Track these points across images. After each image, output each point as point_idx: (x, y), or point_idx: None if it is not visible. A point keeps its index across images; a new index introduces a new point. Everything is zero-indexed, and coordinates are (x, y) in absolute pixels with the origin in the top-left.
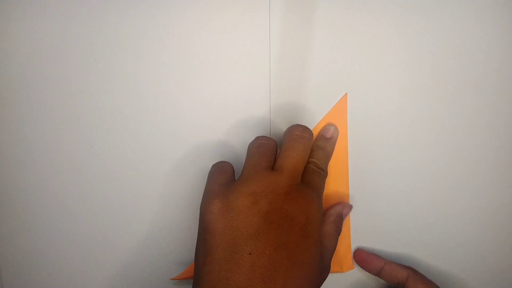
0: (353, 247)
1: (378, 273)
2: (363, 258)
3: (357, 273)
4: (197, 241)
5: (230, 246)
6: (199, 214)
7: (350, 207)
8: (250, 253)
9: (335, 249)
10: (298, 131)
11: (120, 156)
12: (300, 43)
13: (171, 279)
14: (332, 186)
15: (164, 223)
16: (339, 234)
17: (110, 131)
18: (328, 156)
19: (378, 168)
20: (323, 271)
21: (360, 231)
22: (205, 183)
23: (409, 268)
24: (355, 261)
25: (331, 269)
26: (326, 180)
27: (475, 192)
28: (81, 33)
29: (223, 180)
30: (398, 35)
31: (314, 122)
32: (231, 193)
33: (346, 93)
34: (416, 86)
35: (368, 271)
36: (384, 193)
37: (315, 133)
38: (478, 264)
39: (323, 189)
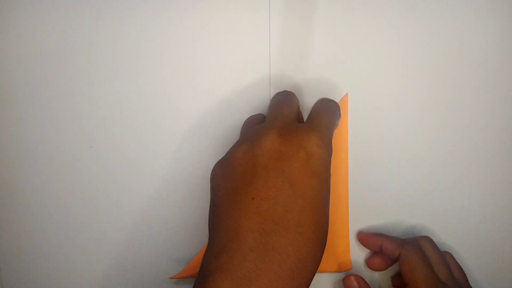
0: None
1: (380, 251)
2: (362, 238)
3: (356, 273)
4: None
5: (233, 196)
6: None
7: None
8: (253, 198)
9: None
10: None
11: (120, 156)
12: (300, 43)
13: (170, 278)
14: (331, 186)
15: (163, 221)
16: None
17: (110, 131)
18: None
19: (378, 167)
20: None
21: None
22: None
23: (401, 244)
24: (358, 241)
25: (329, 269)
26: None
27: (475, 191)
28: (81, 34)
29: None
30: (398, 35)
31: None
32: (227, 153)
33: (347, 94)
34: (416, 86)
35: (371, 250)
36: (384, 192)
37: None
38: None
39: (328, 128)
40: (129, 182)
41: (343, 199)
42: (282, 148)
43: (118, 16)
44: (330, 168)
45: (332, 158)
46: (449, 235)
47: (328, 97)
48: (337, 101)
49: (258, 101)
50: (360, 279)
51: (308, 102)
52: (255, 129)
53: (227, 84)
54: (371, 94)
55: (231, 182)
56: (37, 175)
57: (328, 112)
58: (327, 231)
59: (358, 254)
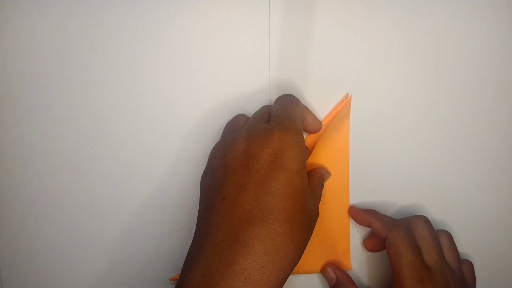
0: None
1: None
2: (352, 213)
3: (355, 273)
4: None
5: (208, 198)
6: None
7: (328, 172)
8: (224, 199)
9: (320, 199)
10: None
11: (120, 156)
12: (300, 43)
13: (170, 280)
14: (332, 187)
15: (163, 223)
16: (322, 188)
17: (110, 131)
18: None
19: (379, 168)
20: (313, 208)
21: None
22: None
23: (390, 225)
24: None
25: (309, 270)
26: (326, 181)
27: (476, 190)
28: (81, 34)
29: None
30: (399, 35)
31: None
32: (207, 161)
33: (350, 96)
34: (417, 87)
35: (361, 225)
36: (385, 193)
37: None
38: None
39: (291, 119)
40: (128, 183)
41: (344, 200)
42: (249, 149)
43: (117, 16)
44: (301, 158)
45: (332, 159)
46: (453, 232)
47: (328, 97)
48: (337, 100)
49: (257, 101)
50: (337, 269)
51: (308, 102)
52: (229, 136)
53: (227, 84)
54: (371, 95)
55: (208, 187)
56: (37, 175)
57: (286, 105)
58: (305, 227)
59: (359, 255)
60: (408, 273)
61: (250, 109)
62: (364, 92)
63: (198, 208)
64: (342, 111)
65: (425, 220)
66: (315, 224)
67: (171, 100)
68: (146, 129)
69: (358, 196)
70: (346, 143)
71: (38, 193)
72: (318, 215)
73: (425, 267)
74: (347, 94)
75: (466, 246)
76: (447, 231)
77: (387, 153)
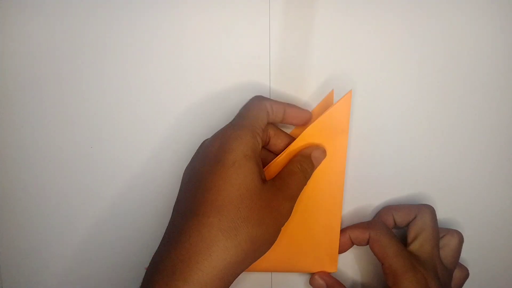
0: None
1: (353, 243)
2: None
3: (345, 273)
4: None
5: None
6: None
7: (323, 151)
8: (181, 191)
9: (301, 187)
10: None
11: (120, 156)
12: (300, 43)
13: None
14: (325, 188)
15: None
16: (305, 174)
17: (110, 131)
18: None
19: (380, 166)
20: (277, 201)
21: None
22: None
23: (368, 226)
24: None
25: (314, 268)
26: (320, 179)
27: (480, 187)
28: (82, 34)
29: None
30: (399, 33)
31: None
32: None
33: (351, 90)
34: (419, 83)
35: (345, 250)
36: (386, 191)
37: (313, 130)
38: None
39: (242, 117)
40: (129, 183)
41: (337, 200)
42: (201, 150)
43: (119, 17)
44: (241, 150)
45: (327, 159)
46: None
47: (329, 95)
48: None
49: None
50: (325, 275)
51: (308, 102)
52: None
53: (227, 84)
54: (372, 94)
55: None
56: (37, 175)
57: (243, 107)
58: (242, 217)
59: (348, 253)
60: (398, 263)
61: None
62: (364, 91)
63: None
64: (341, 107)
65: (431, 211)
66: (278, 216)
67: (171, 100)
68: (146, 129)
69: (359, 194)
70: (344, 144)
71: (38, 193)
72: (288, 206)
73: (413, 256)
74: (350, 90)
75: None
76: (460, 233)
77: (389, 151)
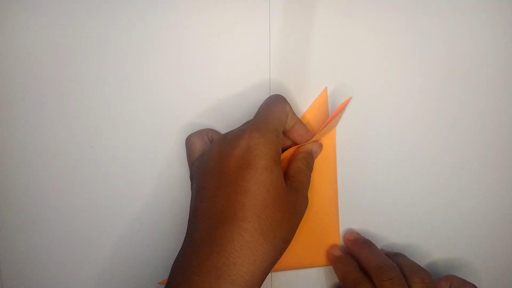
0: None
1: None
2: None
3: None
4: None
5: (192, 202)
6: None
7: (321, 145)
8: (201, 201)
9: (309, 183)
10: None
11: (120, 156)
12: (300, 42)
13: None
14: (320, 182)
15: (159, 225)
16: (310, 170)
17: (110, 131)
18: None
19: (370, 165)
20: (294, 200)
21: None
22: None
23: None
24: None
25: (318, 263)
26: (314, 176)
27: (469, 190)
28: (82, 34)
29: None
30: (400, 34)
31: None
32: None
33: (326, 87)
34: (420, 86)
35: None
36: (376, 190)
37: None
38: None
39: (265, 118)
40: (129, 183)
41: (333, 196)
42: (222, 150)
43: (120, 17)
44: (270, 155)
45: (320, 157)
46: (440, 234)
47: (330, 97)
48: (337, 100)
49: (258, 101)
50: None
51: (308, 101)
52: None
53: (227, 84)
54: (372, 94)
55: (193, 191)
56: (37, 175)
57: (267, 105)
58: (281, 221)
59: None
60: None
61: (251, 108)
62: (365, 91)
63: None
64: (319, 103)
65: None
66: (298, 215)
67: (171, 100)
68: (147, 129)
69: (349, 193)
70: (333, 143)
71: (38, 193)
72: (305, 204)
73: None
74: (326, 88)
75: (463, 247)
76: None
77: (379, 152)
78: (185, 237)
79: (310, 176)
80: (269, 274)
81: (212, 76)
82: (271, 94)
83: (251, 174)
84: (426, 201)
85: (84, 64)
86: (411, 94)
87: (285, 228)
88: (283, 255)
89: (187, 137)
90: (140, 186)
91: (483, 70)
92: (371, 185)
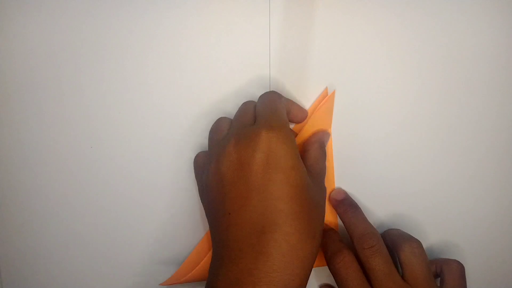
0: None
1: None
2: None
3: None
4: None
5: (214, 214)
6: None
7: (328, 134)
8: (229, 213)
9: (325, 170)
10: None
11: (120, 156)
12: (300, 42)
13: (160, 285)
14: None
15: (164, 223)
16: (325, 158)
17: (110, 131)
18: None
19: (367, 164)
20: (318, 192)
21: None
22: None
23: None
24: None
25: (320, 263)
26: None
27: (465, 187)
28: (82, 34)
29: None
30: (400, 34)
31: None
32: (203, 177)
33: (334, 91)
34: (420, 85)
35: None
36: (371, 189)
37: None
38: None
39: (275, 113)
40: (129, 183)
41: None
42: (240, 156)
43: (119, 17)
44: (293, 152)
45: None
46: (435, 230)
47: (323, 93)
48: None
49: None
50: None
51: (308, 101)
52: (217, 145)
53: (227, 84)
54: (372, 94)
55: (209, 203)
56: (37, 175)
57: (269, 101)
58: (315, 217)
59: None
60: None
61: None
62: (364, 91)
63: (193, 213)
64: (325, 105)
65: (418, 245)
66: (323, 207)
67: (171, 100)
68: (146, 129)
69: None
70: (329, 142)
71: (38, 193)
72: (324, 191)
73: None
74: (334, 91)
75: (460, 246)
76: (458, 262)
77: (374, 151)
78: (213, 252)
79: (325, 164)
80: None
81: (212, 75)
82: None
83: (279, 176)
84: (427, 201)
85: (84, 64)
86: (411, 94)
87: (320, 225)
88: None
89: (195, 156)
90: (140, 186)
91: (484, 70)
92: (370, 185)
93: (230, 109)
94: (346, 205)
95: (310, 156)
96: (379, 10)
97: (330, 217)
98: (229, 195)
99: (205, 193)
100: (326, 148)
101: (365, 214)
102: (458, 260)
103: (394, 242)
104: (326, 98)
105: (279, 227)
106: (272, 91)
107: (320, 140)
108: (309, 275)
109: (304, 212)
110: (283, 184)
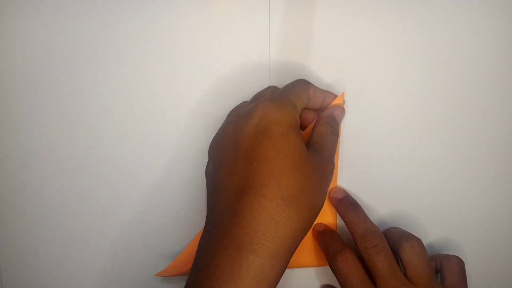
0: None
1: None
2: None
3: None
4: None
5: (209, 184)
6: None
7: (343, 109)
8: (219, 179)
9: (335, 147)
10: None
11: (120, 156)
12: (300, 42)
13: (156, 275)
14: None
15: (165, 222)
16: (335, 134)
17: (110, 131)
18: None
19: (373, 165)
20: (317, 167)
21: None
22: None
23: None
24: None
25: (316, 262)
26: None
27: (470, 187)
28: (81, 34)
29: None
30: (399, 33)
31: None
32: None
33: (343, 93)
34: (414, 84)
35: None
36: (374, 190)
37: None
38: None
39: (283, 91)
40: (129, 183)
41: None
42: (236, 126)
43: (121, 17)
44: (286, 120)
45: None
46: (436, 227)
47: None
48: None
49: None
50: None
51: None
52: (225, 121)
53: (227, 84)
54: (371, 94)
55: (209, 173)
56: (37, 176)
57: (289, 83)
58: (300, 184)
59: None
60: None
61: None
62: (364, 91)
63: (193, 212)
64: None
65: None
66: (323, 178)
67: (171, 99)
68: (146, 129)
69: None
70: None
71: (38, 193)
72: (331, 167)
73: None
74: (343, 93)
75: (459, 246)
76: (457, 258)
77: (384, 152)
78: (206, 218)
79: (335, 141)
80: None
81: (212, 75)
82: None
83: (267, 141)
84: (428, 199)
85: (84, 64)
86: (412, 93)
87: (309, 193)
88: None
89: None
90: (140, 186)
91: (488, 70)
92: (371, 185)
93: (230, 109)
94: (346, 204)
95: (314, 132)
96: (379, 10)
97: (329, 218)
98: (221, 162)
99: (208, 164)
100: (337, 124)
101: (367, 212)
102: (458, 256)
103: (395, 241)
104: (336, 100)
105: (256, 189)
106: (301, 79)
107: (328, 115)
108: (292, 244)
109: (286, 178)
110: (269, 149)
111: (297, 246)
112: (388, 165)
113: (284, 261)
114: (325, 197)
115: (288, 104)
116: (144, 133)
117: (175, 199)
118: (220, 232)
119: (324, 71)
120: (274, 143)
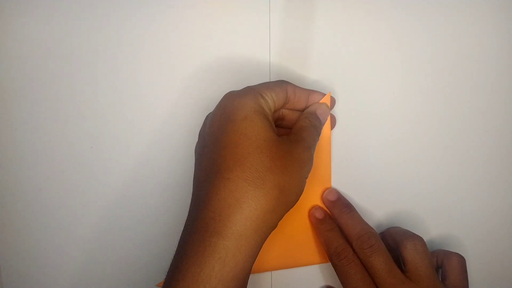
0: None
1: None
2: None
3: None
4: None
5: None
6: None
7: (327, 107)
8: (199, 170)
9: (315, 140)
10: None
11: (120, 156)
12: (300, 42)
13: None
14: (314, 182)
15: (165, 221)
16: (316, 128)
17: (110, 131)
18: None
19: (367, 167)
20: (292, 149)
21: None
22: None
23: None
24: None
25: (312, 260)
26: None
27: (467, 189)
28: (81, 34)
29: None
30: (398, 35)
31: None
32: None
33: (329, 92)
34: (414, 86)
35: None
36: (370, 190)
37: None
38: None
39: (254, 87)
40: (127, 184)
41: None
42: (209, 117)
43: (121, 17)
44: (250, 106)
45: (315, 159)
46: (442, 229)
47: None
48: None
49: None
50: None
51: None
52: None
53: (227, 84)
54: (371, 94)
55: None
56: (37, 175)
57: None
58: (265, 167)
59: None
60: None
61: None
62: (364, 91)
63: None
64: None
65: (420, 241)
66: (295, 163)
67: (171, 100)
68: (146, 129)
69: (343, 192)
70: (328, 144)
71: (38, 193)
72: (308, 156)
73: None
74: (329, 93)
75: (461, 240)
76: (459, 255)
77: (384, 153)
78: None
79: (314, 134)
80: (270, 274)
81: (212, 75)
82: None
83: (230, 126)
84: (428, 198)
85: (84, 64)
86: (411, 93)
87: (277, 173)
88: (280, 255)
89: None
90: (140, 186)
91: (487, 72)
92: (369, 185)
93: None
94: (340, 206)
95: (294, 126)
96: (379, 10)
97: (326, 182)
98: (197, 153)
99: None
100: (320, 121)
101: (365, 213)
102: (460, 253)
103: (396, 239)
104: (322, 98)
105: (221, 173)
106: (280, 79)
107: (310, 112)
108: (259, 226)
109: (250, 160)
110: (231, 133)
111: (270, 230)
112: (386, 165)
113: (251, 243)
114: (303, 182)
115: (253, 92)
116: (144, 133)
117: (177, 200)
118: (190, 218)
119: (324, 71)
120: (237, 127)
